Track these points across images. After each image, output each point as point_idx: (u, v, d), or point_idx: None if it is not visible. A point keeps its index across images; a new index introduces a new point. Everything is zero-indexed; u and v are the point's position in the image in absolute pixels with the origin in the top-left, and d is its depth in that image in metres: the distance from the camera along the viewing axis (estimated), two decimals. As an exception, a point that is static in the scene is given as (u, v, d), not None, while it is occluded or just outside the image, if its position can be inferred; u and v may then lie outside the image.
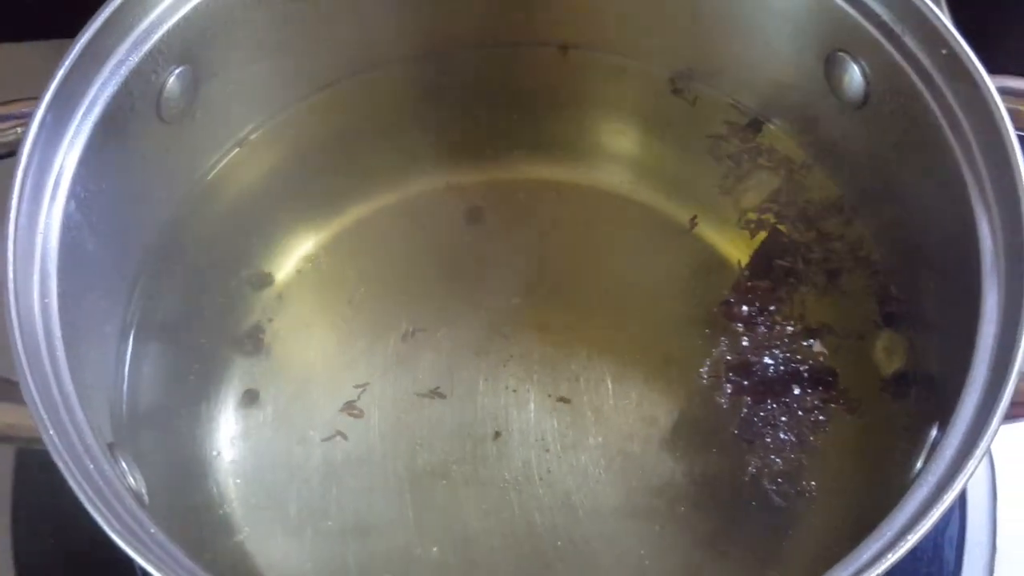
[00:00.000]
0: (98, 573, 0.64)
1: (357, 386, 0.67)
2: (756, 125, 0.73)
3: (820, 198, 0.70)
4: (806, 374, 0.65)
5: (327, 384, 0.68)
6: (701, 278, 0.69)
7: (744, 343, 0.66)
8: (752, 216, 0.71)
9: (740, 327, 0.67)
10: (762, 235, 0.70)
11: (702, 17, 0.69)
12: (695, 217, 0.71)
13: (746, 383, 0.65)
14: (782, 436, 0.64)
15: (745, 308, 0.67)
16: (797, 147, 0.72)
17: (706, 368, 0.66)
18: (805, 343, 0.66)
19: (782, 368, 0.66)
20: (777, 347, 0.66)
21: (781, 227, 0.70)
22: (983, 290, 0.52)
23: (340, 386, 0.67)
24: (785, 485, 0.63)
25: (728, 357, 0.66)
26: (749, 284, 0.68)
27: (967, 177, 0.54)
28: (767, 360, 0.66)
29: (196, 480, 0.64)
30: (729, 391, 0.65)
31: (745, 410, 0.65)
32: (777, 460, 0.63)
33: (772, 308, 0.67)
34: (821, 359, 0.66)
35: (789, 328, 0.67)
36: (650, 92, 0.75)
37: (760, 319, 0.67)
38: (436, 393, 0.67)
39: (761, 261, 0.69)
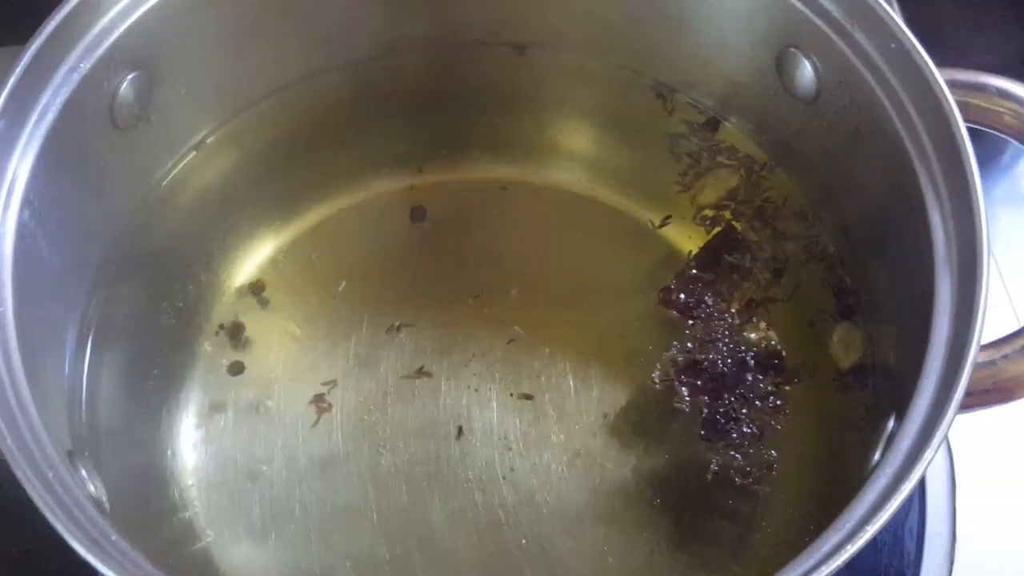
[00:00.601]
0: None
1: (325, 383, 0.67)
2: (714, 124, 0.73)
3: (777, 195, 0.71)
4: (753, 361, 0.66)
5: (288, 387, 0.68)
6: (659, 274, 0.70)
7: (690, 343, 0.67)
8: (709, 213, 0.71)
9: (675, 315, 0.67)
10: (717, 230, 0.71)
11: (656, 16, 0.69)
12: (668, 216, 0.72)
13: (699, 382, 0.65)
14: (744, 430, 0.64)
15: (683, 296, 0.67)
16: (754, 144, 0.72)
17: (658, 373, 0.67)
18: (749, 334, 0.67)
19: (729, 361, 0.66)
20: (720, 339, 0.66)
21: (736, 224, 0.71)
22: (936, 280, 0.52)
23: (301, 388, 0.67)
24: (746, 481, 0.63)
25: (680, 358, 0.66)
26: (693, 274, 0.69)
27: (918, 169, 0.55)
28: (713, 355, 0.66)
29: (158, 486, 0.64)
30: (686, 392, 0.66)
31: (705, 410, 0.65)
32: (737, 456, 0.64)
33: (710, 300, 0.68)
34: (764, 345, 0.66)
35: (728, 320, 0.67)
36: (608, 91, 0.75)
37: (697, 310, 0.67)
38: (423, 373, 0.67)
39: (710, 254, 0.69)
